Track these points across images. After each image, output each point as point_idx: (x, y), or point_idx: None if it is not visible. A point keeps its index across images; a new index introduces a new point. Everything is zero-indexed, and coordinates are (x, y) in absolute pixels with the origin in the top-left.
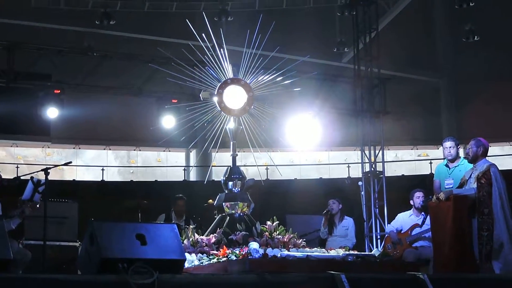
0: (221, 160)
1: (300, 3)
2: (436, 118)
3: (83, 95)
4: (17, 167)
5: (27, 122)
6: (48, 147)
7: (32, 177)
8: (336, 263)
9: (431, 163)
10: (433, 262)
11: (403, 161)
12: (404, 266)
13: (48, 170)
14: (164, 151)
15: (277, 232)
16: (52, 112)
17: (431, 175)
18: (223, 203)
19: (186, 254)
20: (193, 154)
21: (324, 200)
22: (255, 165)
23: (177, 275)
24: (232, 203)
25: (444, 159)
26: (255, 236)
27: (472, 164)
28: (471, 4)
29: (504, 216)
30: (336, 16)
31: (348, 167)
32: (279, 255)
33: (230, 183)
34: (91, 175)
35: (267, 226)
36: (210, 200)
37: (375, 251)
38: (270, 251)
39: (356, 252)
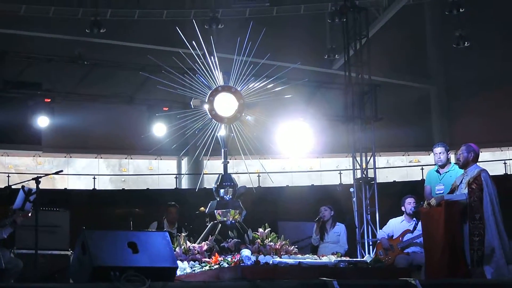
0: (212, 167)
1: (291, 10)
2: (427, 124)
3: (73, 103)
4: (8, 176)
5: (17, 131)
6: (39, 156)
7: (23, 186)
8: (328, 269)
9: (422, 169)
10: (425, 267)
11: (394, 167)
12: (396, 272)
13: (39, 179)
14: (155, 159)
15: (269, 239)
16: (42, 121)
17: (423, 181)
18: (215, 211)
19: (178, 261)
20: (184, 162)
21: (316, 207)
22: (247, 172)
23: (169, 283)
24: (224, 210)
25: (435, 165)
26: (247, 243)
27: (463, 170)
28: (461, 10)
29: (495, 221)
30: (326, 23)
31: (340, 173)
32: (271, 262)
33: (222, 191)
34: (82, 184)
35: (259, 233)
36: (202, 208)
37: (367, 258)
38: (262, 258)
39: (348, 259)
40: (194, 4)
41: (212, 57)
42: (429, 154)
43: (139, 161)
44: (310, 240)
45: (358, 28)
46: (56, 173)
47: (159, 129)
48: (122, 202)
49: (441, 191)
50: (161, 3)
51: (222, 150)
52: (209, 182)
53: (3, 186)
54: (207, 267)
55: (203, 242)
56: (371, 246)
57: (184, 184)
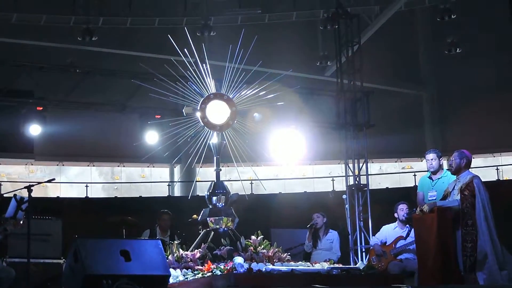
0: (205, 175)
1: (283, 17)
2: (420, 130)
3: (66, 111)
4: (0, 185)
5: (9, 140)
6: (32, 164)
7: (15, 195)
8: (321, 276)
9: (415, 175)
10: (418, 274)
11: (387, 173)
12: (389, 279)
13: (32, 187)
14: (148, 166)
15: (262, 246)
16: (35, 129)
17: (415, 187)
18: (208, 218)
19: (171, 269)
20: (177, 170)
21: (308, 214)
22: (239, 179)
23: None
24: (217, 218)
25: (427, 171)
26: (239, 250)
27: (455, 176)
28: (453, 17)
29: (487, 227)
30: (318, 30)
31: (332, 180)
32: (264, 270)
33: (214, 198)
34: (75, 192)
35: (251, 241)
36: (195, 215)
37: (360, 264)
38: (255, 266)
39: (341, 266)
40: (186, 11)
41: (204, 65)
42: (421, 161)
43: (132, 169)
44: (303, 247)
45: (350, 35)
46: (49, 181)
47: (152, 137)
48: (114, 210)
49: (434, 198)
50: (153, 10)
51: (215, 157)
52: (202, 189)
53: None
54: (200, 275)
55: (196, 250)
56: (364, 253)
57: (177, 192)
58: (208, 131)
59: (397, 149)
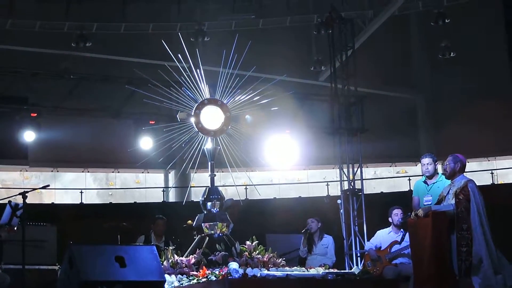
0: (199, 180)
1: (276, 22)
2: (414, 135)
3: (60, 118)
4: None
5: (4, 146)
6: (26, 171)
7: (10, 201)
8: (316, 281)
9: (409, 180)
10: (413, 278)
11: (381, 178)
12: (384, 283)
13: (26, 194)
14: (142, 172)
15: (257, 251)
16: (29, 136)
17: (410, 192)
18: (202, 224)
19: (166, 275)
20: (171, 175)
21: (303, 219)
22: (234, 185)
23: None
24: (211, 223)
25: (422, 175)
26: (234, 256)
27: (450, 180)
28: (446, 21)
29: (482, 231)
30: (312, 35)
31: (327, 185)
32: (259, 275)
33: (209, 204)
34: (69, 198)
35: (246, 246)
36: (189, 221)
37: (355, 269)
38: (249, 271)
39: (336, 270)
40: (180, 17)
41: (198, 70)
42: (416, 165)
43: (126, 175)
44: (298, 252)
45: (344, 40)
46: (43, 187)
47: (146, 143)
48: (109, 216)
49: (429, 202)
50: (147, 16)
51: (209, 163)
52: (196, 195)
53: None
54: (194, 281)
55: (191, 255)
56: (359, 258)
57: (172, 197)
58: (202, 136)
59: (392, 153)
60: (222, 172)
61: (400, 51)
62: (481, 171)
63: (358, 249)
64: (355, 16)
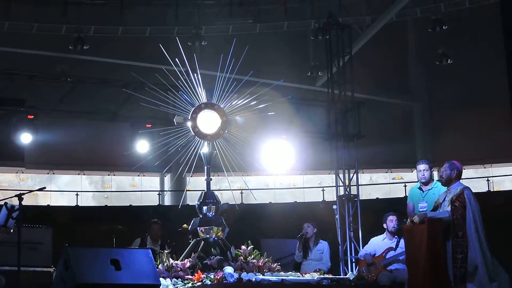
0: (195, 184)
1: (274, 27)
2: (410, 141)
3: (57, 120)
4: None
5: (0, 148)
6: (22, 173)
7: (6, 203)
8: (311, 287)
9: (405, 186)
10: (408, 285)
11: (377, 184)
12: None
13: (22, 196)
14: (138, 175)
15: (252, 256)
16: (25, 138)
17: (406, 198)
18: (198, 228)
19: (161, 279)
20: (167, 179)
21: (298, 224)
22: (230, 189)
23: None
24: (207, 227)
25: (418, 182)
26: (229, 260)
27: (446, 187)
28: (444, 28)
29: (478, 238)
30: (309, 40)
31: (323, 190)
32: (254, 280)
33: (205, 208)
34: (65, 200)
35: (241, 250)
36: (185, 225)
37: (350, 275)
38: (245, 276)
39: (331, 276)
40: (177, 21)
41: (195, 74)
42: (412, 171)
43: (122, 178)
44: (293, 257)
45: (341, 45)
46: (39, 189)
47: (142, 146)
48: (105, 218)
49: (424, 209)
50: (144, 20)
51: (205, 167)
52: (192, 198)
53: None
54: (189, 284)
55: (186, 259)
56: (354, 264)
57: (167, 201)
58: (198, 140)
59: (388, 159)
60: (218, 176)
61: (397, 57)
62: (477, 178)
63: (353, 254)
64: (353, 22)
